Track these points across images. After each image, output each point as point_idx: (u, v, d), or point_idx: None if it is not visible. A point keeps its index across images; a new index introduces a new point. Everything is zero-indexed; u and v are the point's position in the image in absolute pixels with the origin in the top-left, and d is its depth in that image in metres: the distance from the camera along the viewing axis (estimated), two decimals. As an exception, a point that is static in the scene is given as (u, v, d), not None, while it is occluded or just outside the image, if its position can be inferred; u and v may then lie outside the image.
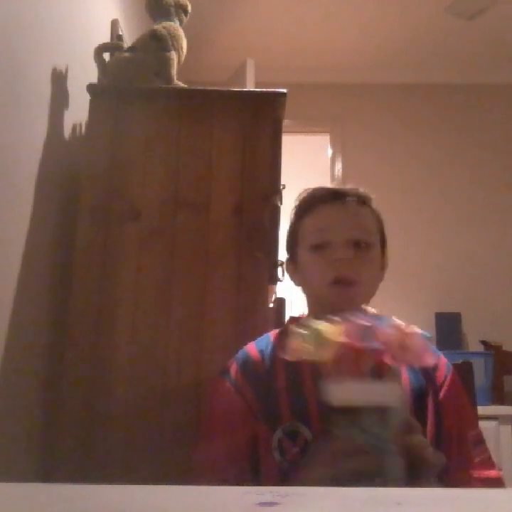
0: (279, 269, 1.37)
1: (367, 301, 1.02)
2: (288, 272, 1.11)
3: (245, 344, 1.06)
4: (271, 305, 1.38)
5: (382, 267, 1.05)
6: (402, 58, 3.31)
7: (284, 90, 1.42)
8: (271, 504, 0.43)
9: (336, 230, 0.99)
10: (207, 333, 1.29)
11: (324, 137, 3.52)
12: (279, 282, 1.38)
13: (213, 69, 3.17)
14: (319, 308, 1.01)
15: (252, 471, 0.91)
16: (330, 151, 3.47)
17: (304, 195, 1.07)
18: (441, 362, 1.00)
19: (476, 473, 0.91)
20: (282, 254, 1.42)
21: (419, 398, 0.93)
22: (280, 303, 1.40)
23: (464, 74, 3.39)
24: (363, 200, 1.04)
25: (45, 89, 1.34)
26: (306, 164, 4.39)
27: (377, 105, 3.41)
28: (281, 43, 3.20)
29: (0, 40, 1.08)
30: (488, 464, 0.94)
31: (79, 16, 1.58)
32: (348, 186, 1.06)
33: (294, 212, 1.08)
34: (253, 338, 1.28)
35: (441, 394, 0.96)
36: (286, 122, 1.51)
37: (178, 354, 1.28)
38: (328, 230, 0.99)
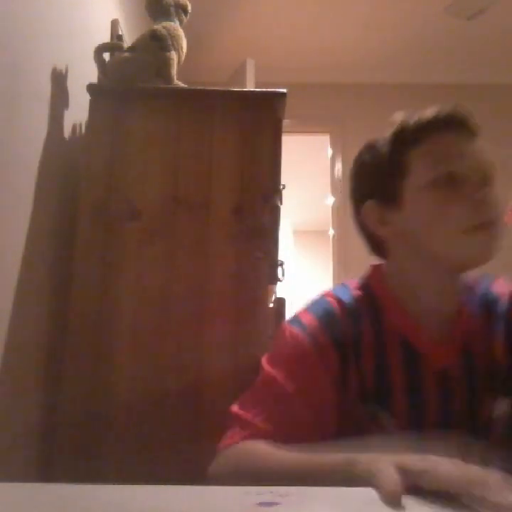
0: (279, 269, 1.37)
1: None
2: (370, 218, 0.83)
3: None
4: (271, 305, 1.38)
5: None
6: (402, 58, 3.31)
7: (284, 90, 1.42)
8: (271, 504, 0.43)
9: (469, 160, 0.76)
10: (207, 333, 1.29)
11: (324, 137, 3.52)
12: (279, 282, 1.38)
13: (213, 69, 3.17)
14: (430, 266, 0.78)
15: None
16: (330, 151, 3.47)
17: (406, 120, 0.81)
18: None
19: None
20: (281, 255, 1.42)
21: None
22: (280, 303, 1.40)
23: (464, 74, 3.39)
24: (478, 131, 0.81)
25: (45, 89, 1.34)
26: (306, 164, 4.40)
27: (377, 105, 3.40)
28: (281, 43, 3.20)
29: (0, 40, 1.08)
30: None
31: (79, 16, 1.58)
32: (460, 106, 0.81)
33: (393, 140, 0.81)
34: (253, 338, 1.28)
35: None
36: (286, 122, 1.51)
37: (178, 354, 1.28)
38: (458, 159, 0.76)
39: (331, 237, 3.38)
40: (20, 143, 1.20)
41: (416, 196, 0.78)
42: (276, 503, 0.43)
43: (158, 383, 1.26)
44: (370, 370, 0.77)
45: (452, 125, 0.79)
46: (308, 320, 0.79)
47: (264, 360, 0.81)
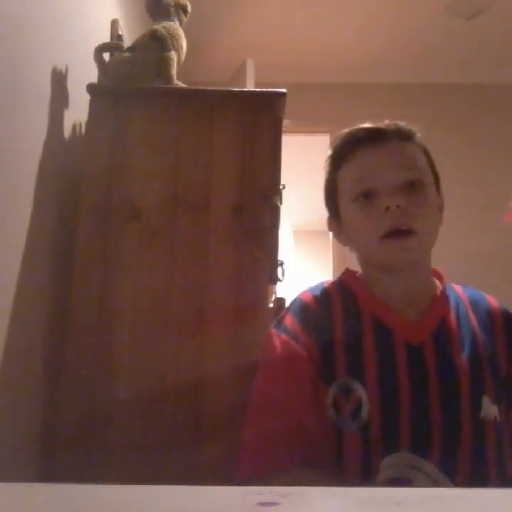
0: (279, 269, 1.37)
1: (427, 253, 0.89)
2: (331, 230, 1.00)
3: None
4: (271, 305, 1.38)
5: (440, 209, 0.91)
6: (401, 58, 3.31)
7: (284, 90, 1.42)
8: (271, 504, 0.43)
9: (381, 174, 0.86)
10: (207, 333, 1.28)
11: (324, 137, 3.52)
12: (279, 282, 1.38)
13: (213, 69, 3.17)
14: (372, 268, 0.91)
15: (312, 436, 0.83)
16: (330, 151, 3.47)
17: (337, 142, 0.96)
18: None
19: None
20: (281, 255, 1.42)
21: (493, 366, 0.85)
22: (280, 303, 1.40)
23: (463, 74, 3.39)
24: (406, 136, 0.92)
25: (45, 89, 1.34)
26: (306, 164, 4.40)
27: (377, 105, 3.41)
28: (281, 43, 3.20)
29: (0, 40, 1.08)
30: None
31: (79, 15, 1.58)
32: (386, 122, 0.94)
33: (329, 163, 0.98)
34: (253, 338, 1.28)
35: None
36: (286, 122, 1.51)
37: (178, 354, 1.28)
38: (371, 176, 0.86)
39: (331, 237, 3.38)
40: (20, 143, 1.20)
41: (345, 212, 0.92)
42: (276, 503, 0.43)
43: (158, 383, 1.26)
44: (341, 347, 0.84)
45: (374, 140, 0.90)
46: (290, 322, 0.88)
47: (260, 378, 0.89)
